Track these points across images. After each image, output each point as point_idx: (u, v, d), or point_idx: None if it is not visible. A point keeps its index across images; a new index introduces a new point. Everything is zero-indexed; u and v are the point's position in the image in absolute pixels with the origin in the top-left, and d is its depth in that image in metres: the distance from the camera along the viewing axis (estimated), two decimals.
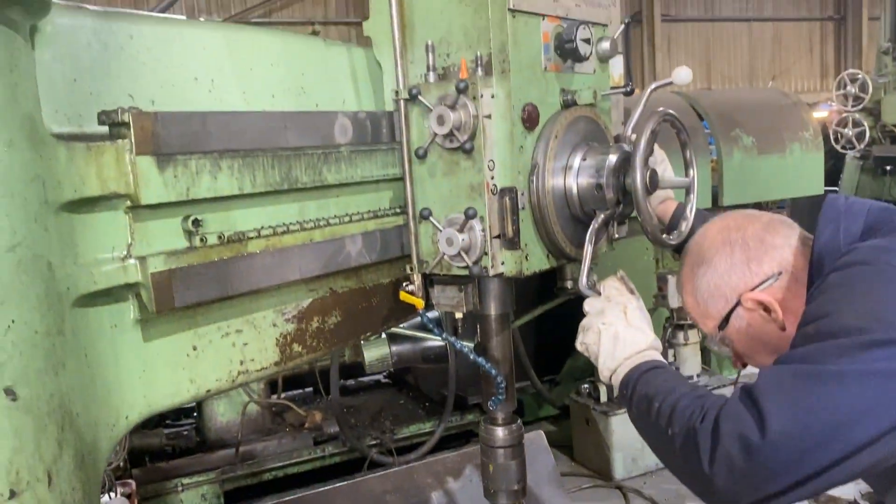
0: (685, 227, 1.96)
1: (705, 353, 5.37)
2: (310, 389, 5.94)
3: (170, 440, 5.15)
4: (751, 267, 1.63)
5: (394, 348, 2.99)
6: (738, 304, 1.65)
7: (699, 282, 1.70)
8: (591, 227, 1.89)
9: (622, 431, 4.88)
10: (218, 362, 1.57)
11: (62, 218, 1.26)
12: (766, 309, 1.62)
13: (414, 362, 3.22)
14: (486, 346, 2.05)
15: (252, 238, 1.59)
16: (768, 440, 1.31)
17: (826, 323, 1.39)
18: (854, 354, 1.31)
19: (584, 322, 1.84)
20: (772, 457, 1.31)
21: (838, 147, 7.94)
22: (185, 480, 4.61)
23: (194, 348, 1.52)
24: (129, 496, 3.81)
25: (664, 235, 1.93)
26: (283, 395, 5.41)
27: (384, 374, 6.58)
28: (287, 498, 2.96)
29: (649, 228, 1.84)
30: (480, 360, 1.95)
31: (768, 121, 5.81)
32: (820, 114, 10.73)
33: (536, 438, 3.23)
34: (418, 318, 2.01)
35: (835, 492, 4.19)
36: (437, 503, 2.98)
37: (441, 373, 5.05)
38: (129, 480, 3.96)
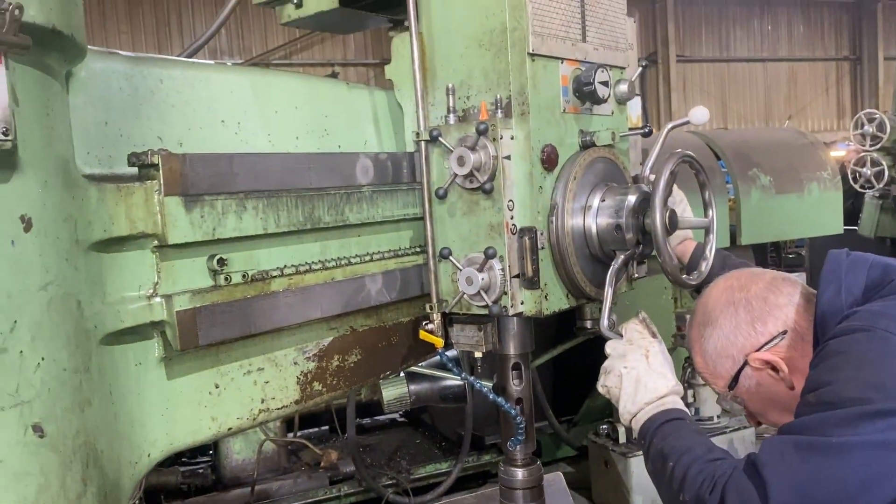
0: (705, 267, 1.96)
1: None
2: (326, 428, 5.92)
3: (186, 478, 5.13)
4: (755, 327, 1.64)
5: (412, 387, 2.97)
6: (745, 364, 1.65)
7: (706, 343, 1.71)
8: (611, 268, 1.90)
9: (641, 473, 4.80)
10: (239, 400, 1.58)
11: (91, 257, 1.29)
12: (774, 368, 1.63)
13: (432, 402, 3.20)
14: (504, 387, 2.04)
15: (275, 277, 1.61)
16: None
17: (826, 392, 1.40)
18: (855, 425, 1.32)
19: (605, 364, 1.84)
20: None
21: (857, 186, 7.91)
22: None
23: (216, 386, 1.53)
24: None
25: (684, 276, 1.93)
26: (299, 434, 5.39)
27: (400, 412, 6.55)
28: None
29: (669, 269, 1.84)
30: (500, 400, 1.95)
31: (786, 160, 5.81)
32: (838, 153, 10.70)
33: (555, 480, 3.19)
34: (437, 357, 2.01)
35: None
36: None
37: (458, 412, 5.01)
38: None
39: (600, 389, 1.85)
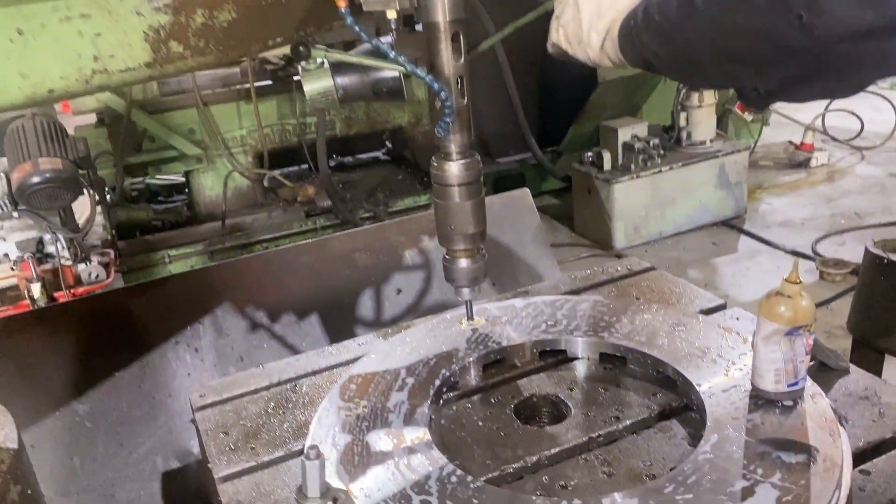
0: None
1: (720, 117, 4.96)
2: (305, 167, 5.72)
3: (158, 215, 5.04)
4: None
5: (339, 80, 2.62)
6: None
7: None
8: None
9: (624, 200, 4.63)
10: (60, 54, 1.24)
11: None
12: None
13: (364, 97, 2.87)
14: (433, 62, 1.68)
15: None
16: None
17: None
18: None
19: (555, 8, 1.43)
20: None
21: None
22: (173, 252, 4.53)
23: (20, 33, 1.19)
24: (106, 266, 3.71)
25: None
26: (277, 173, 5.18)
27: (383, 150, 6.33)
28: (254, 254, 2.77)
29: None
30: (419, 71, 1.60)
31: None
32: None
33: (521, 196, 2.96)
34: (365, 46, 1.63)
35: None
36: (410, 261, 2.77)
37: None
38: (108, 250, 3.83)
39: (554, 39, 1.45)
